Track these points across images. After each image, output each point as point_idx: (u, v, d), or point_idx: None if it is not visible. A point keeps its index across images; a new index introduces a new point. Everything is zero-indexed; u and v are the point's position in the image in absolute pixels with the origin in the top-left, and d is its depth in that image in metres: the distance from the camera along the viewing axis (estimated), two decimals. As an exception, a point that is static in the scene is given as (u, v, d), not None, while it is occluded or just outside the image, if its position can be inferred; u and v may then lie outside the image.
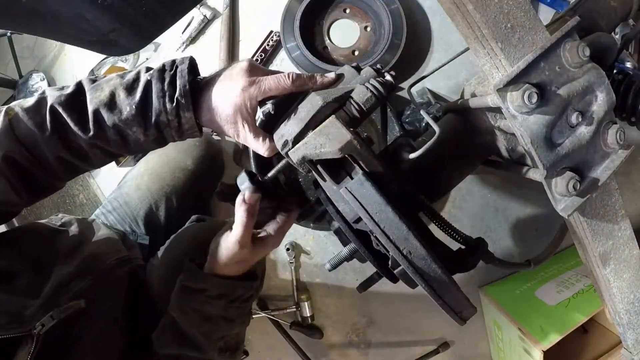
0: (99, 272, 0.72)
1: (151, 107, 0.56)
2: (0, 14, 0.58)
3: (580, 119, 0.49)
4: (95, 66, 1.34)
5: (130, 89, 0.56)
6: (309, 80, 0.57)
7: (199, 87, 0.59)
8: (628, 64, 1.14)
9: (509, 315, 1.20)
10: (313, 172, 0.53)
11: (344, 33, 1.25)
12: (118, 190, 1.03)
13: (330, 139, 0.48)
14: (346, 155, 0.49)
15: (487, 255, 0.59)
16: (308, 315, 1.34)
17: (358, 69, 0.59)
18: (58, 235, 0.75)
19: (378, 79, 0.54)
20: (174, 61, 0.58)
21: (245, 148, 1.28)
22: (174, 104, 0.56)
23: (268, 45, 1.25)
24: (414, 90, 1.23)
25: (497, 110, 0.53)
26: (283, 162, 0.58)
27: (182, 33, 1.29)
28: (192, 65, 0.59)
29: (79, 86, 0.58)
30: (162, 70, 0.57)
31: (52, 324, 0.57)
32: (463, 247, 0.59)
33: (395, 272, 0.51)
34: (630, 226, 0.62)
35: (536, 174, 0.52)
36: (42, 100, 0.57)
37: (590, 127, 0.50)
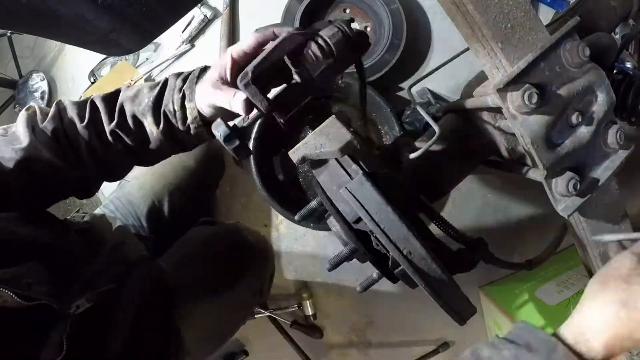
0: (129, 261, 0.78)
1: (163, 99, 0.63)
2: (0, 14, 0.58)
3: (580, 119, 0.49)
4: (95, 66, 1.34)
5: (153, 86, 0.64)
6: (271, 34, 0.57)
7: None
8: (628, 64, 1.14)
9: (509, 315, 1.20)
10: (313, 172, 0.53)
11: (344, 33, 1.25)
12: (120, 190, 1.03)
13: (330, 139, 0.49)
14: (346, 155, 0.49)
15: (487, 255, 0.59)
16: (310, 313, 1.34)
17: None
18: (86, 232, 0.80)
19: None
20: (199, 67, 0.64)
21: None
22: (181, 94, 0.61)
23: (268, 45, 1.25)
24: (414, 90, 1.23)
25: (497, 110, 0.53)
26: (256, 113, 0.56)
27: (182, 33, 1.29)
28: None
29: (118, 89, 0.67)
30: (183, 72, 0.64)
31: (88, 306, 0.60)
32: (463, 247, 0.59)
33: (395, 272, 0.51)
34: (630, 226, 0.62)
35: (536, 174, 0.52)
36: (88, 98, 0.66)
37: (590, 127, 0.51)
